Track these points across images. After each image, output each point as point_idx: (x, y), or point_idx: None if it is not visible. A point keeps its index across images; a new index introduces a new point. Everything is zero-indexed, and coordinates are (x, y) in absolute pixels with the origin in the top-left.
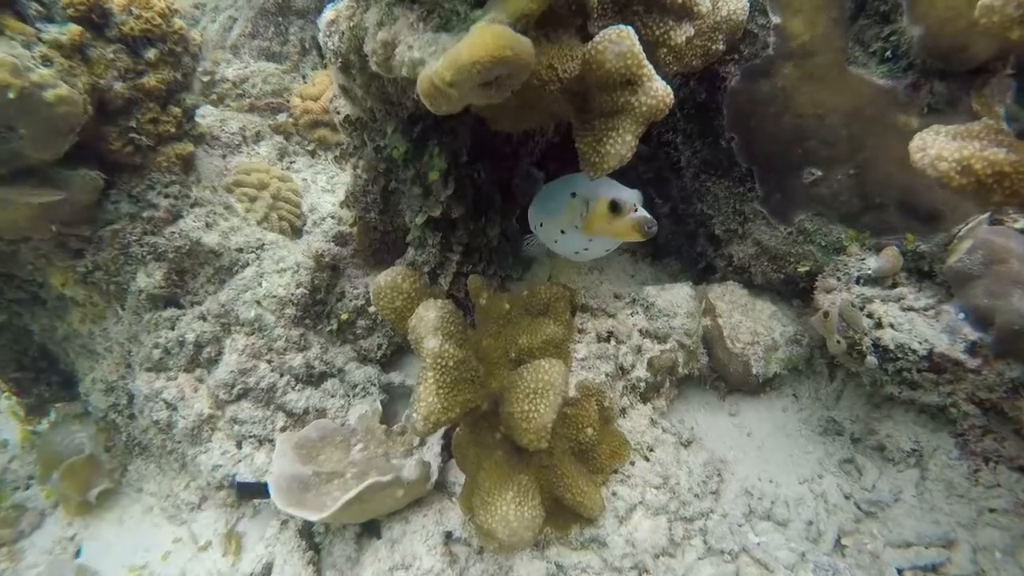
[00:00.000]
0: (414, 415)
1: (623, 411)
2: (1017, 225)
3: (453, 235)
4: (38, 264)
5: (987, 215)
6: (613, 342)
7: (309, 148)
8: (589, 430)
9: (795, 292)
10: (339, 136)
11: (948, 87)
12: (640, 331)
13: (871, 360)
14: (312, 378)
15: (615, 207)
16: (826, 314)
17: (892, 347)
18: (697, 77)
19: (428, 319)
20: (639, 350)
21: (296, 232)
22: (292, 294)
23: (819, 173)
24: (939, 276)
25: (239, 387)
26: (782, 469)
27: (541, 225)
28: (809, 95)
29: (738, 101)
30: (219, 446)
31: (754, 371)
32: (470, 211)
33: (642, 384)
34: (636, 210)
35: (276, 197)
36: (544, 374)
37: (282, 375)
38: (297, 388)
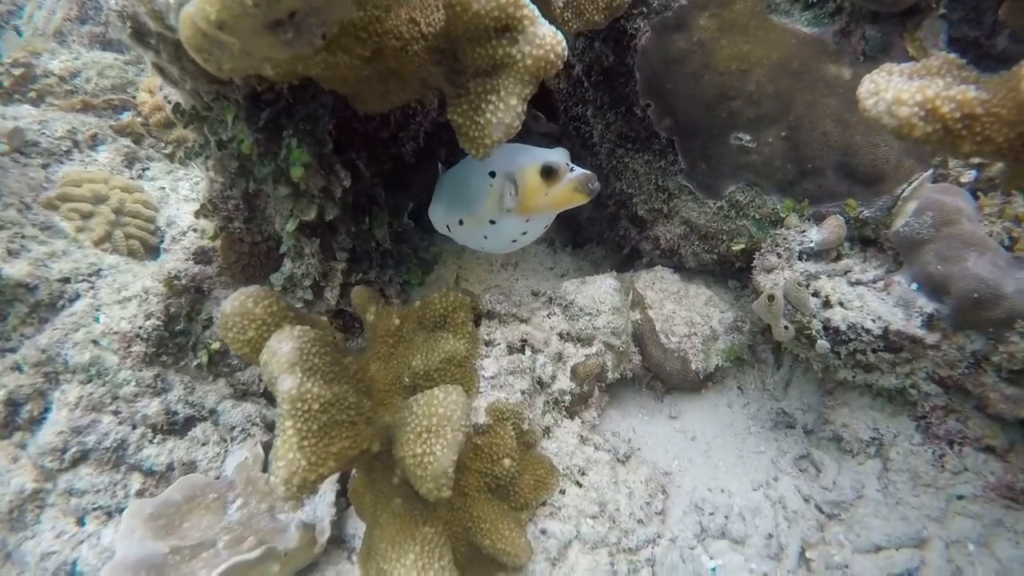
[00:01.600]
0: (272, 478)
1: (547, 431)
2: (963, 179)
3: (334, 240)
4: None
5: (930, 172)
6: (528, 352)
7: (166, 151)
8: (506, 461)
9: (731, 272)
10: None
11: (881, 31)
12: (560, 335)
13: (822, 344)
14: (175, 426)
15: (549, 172)
16: (771, 298)
17: (844, 328)
18: (602, 37)
19: (282, 353)
20: (560, 358)
21: (151, 252)
22: (140, 327)
23: (747, 137)
24: (886, 243)
25: (74, 450)
26: (733, 475)
27: (461, 223)
28: (730, 48)
29: (651, 62)
30: (51, 527)
31: (693, 366)
32: (349, 211)
33: (566, 397)
34: (571, 169)
35: (120, 211)
36: (439, 406)
37: (134, 427)
38: (156, 441)
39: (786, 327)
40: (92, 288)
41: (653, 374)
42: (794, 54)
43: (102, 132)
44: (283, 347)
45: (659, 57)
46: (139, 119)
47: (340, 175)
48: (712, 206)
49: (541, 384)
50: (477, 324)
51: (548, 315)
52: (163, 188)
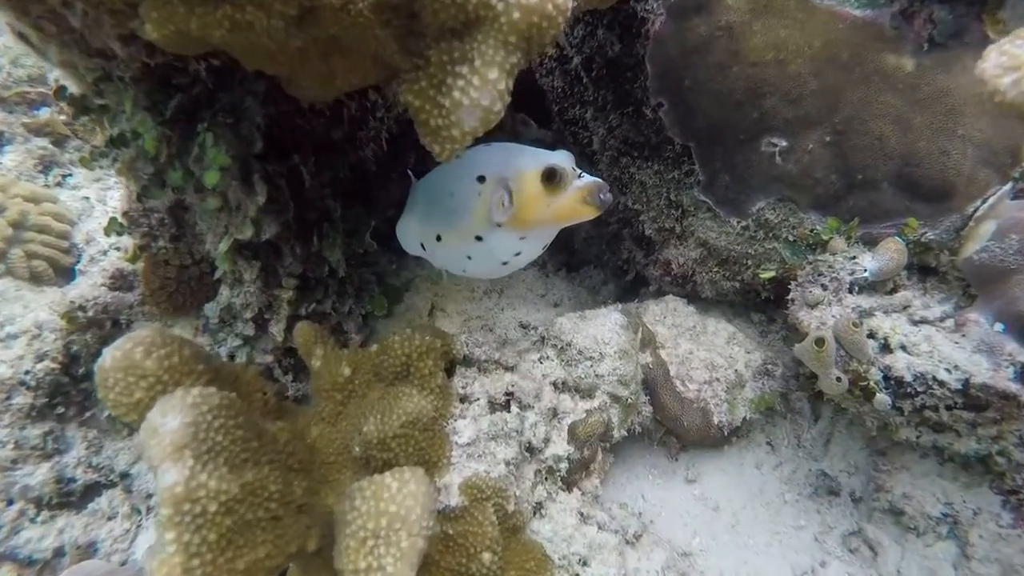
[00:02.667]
0: None
1: (538, 508)
2: None
3: (280, 264)
4: None
5: (1009, 186)
6: (515, 409)
7: (82, 154)
8: (486, 555)
9: (756, 304)
10: None
11: (952, 12)
12: (554, 384)
13: (882, 400)
14: (70, 497)
15: (552, 177)
16: (820, 341)
17: (909, 378)
18: (606, 22)
19: (166, 431)
20: (554, 414)
21: (64, 275)
22: (27, 372)
23: (783, 143)
24: (951, 273)
25: None
26: (768, 557)
27: (439, 239)
28: (764, 34)
29: (666, 51)
30: None
31: (716, 420)
32: (292, 229)
33: (562, 465)
34: (579, 175)
35: (20, 225)
36: (390, 502)
37: (9, 503)
38: (39, 519)
39: (838, 378)
40: None
41: (667, 428)
42: (843, 41)
43: (10, 130)
44: (168, 422)
45: (676, 45)
46: (62, 117)
47: (256, 187)
48: (735, 225)
49: (531, 450)
50: (450, 373)
51: (540, 359)
52: (86, 198)
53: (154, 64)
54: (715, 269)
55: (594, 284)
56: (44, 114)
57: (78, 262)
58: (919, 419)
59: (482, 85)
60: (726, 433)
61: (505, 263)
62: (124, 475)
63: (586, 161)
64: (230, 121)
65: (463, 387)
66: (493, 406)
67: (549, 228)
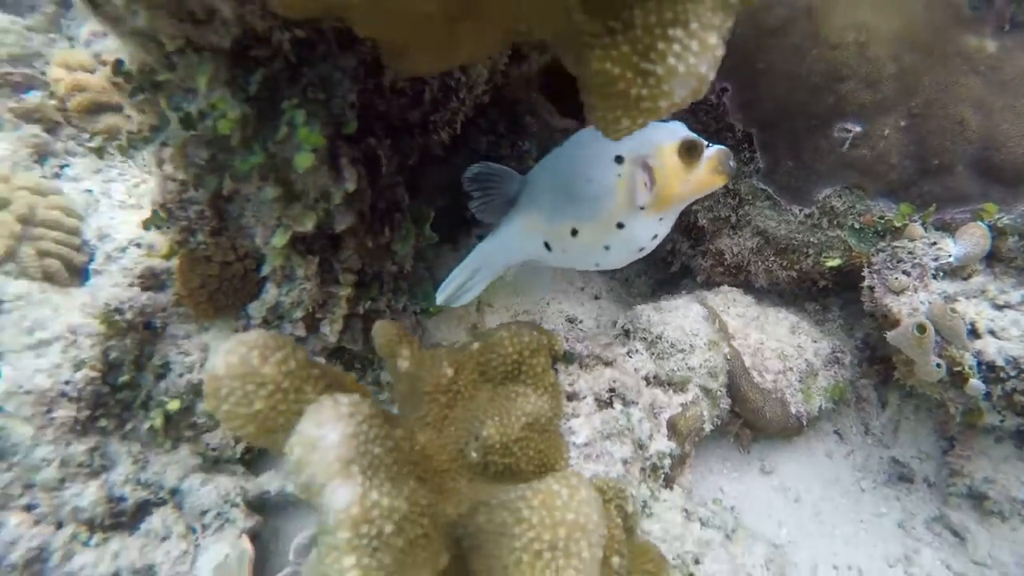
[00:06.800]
0: None
1: (643, 506)
2: None
3: (336, 258)
4: None
5: None
6: (618, 405)
7: (92, 144)
8: (615, 559)
9: (811, 294)
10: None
11: None
12: (646, 379)
13: (976, 385)
14: (122, 517)
15: (691, 149)
16: (921, 328)
17: (1000, 363)
18: None
19: (329, 445)
20: (652, 410)
21: (77, 275)
22: (66, 383)
23: (858, 129)
24: (1019, 257)
25: None
26: (858, 546)
27: (574, 234)
28: (846, 15)
29: (738, 33)
30: None
31: (793, 410)
32: (366, 219)
33: (666, 461)
34: (707, 145)
35: (29, 221)
36: (566, 510)
37: (59, 526)
38: (92, 542)
39: (938, 364)
40: None
41: (743, 420)
42: (922, 22)
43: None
44: (328, 435)
45: (750, 27)
46: (52, 102)
47: (344, 173)
48: (797, 213)
49: (640, 447)
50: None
51: (628, 353)
52: (89, 191)
53: (243, 32)
54: (772, 258)
55: (629, 276)
56: (34, 98)
57: (91, 260)
58: (1006, 403)
59: (702, 51)
60: (805, 423)
61: (642, 249)
62: (174, 491)
63: None
64: (320, 97)
65: (569, 384)
66: (599, 403)
67: (683, 205)
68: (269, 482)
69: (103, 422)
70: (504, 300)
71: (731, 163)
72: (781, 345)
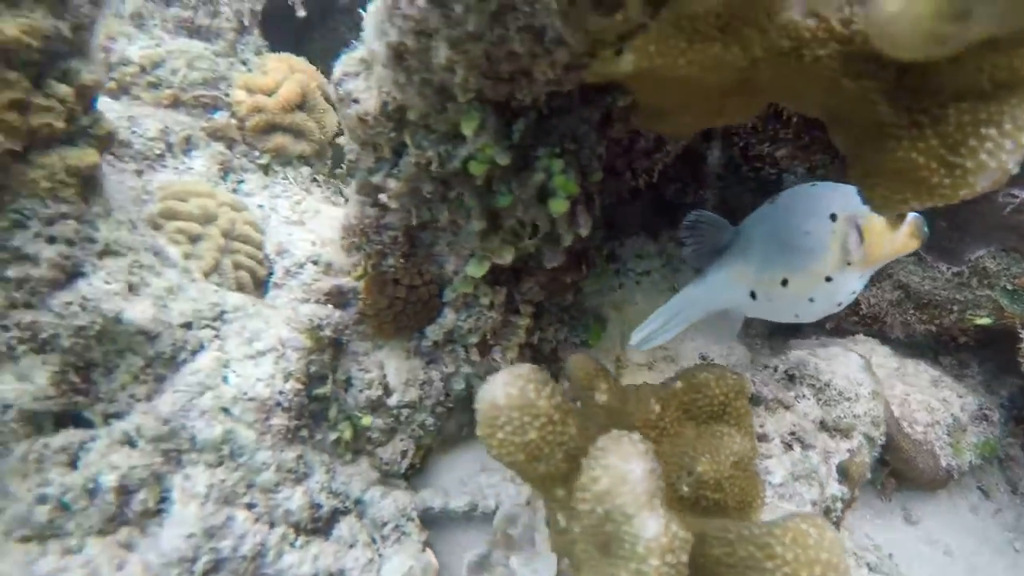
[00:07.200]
0: None
1: None
2: None
3: (518, 289)
4: None
5: None
6: (798, 448)
7: (261, 162)
8: None
9: (949, 348)
10: (302, 146)
11: None
12: (814, 423)
13: None
14: (318, 522)
15: (897, 214)
16: None
17: None
18: None
19: (636, 478)
20: (825, 455)
21: (259, 286)
22: (280, 392)
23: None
24: None
25: (206, 559)
26: None
27: (784, 284)
28: None
29: None
30: None
31: (944, 463)
32: (572, 256)
33: (838, 504)
34: None
35: (229, 235)
36: (819, 550)
37: (272, 526)
38: (298, 543)
39: None
40: (217, 337)
41: (891, 469)
42: None
43: (196, 135)
44: (634, 469)
45: None
46: (234, 121)
47: (579, 218)
48: (944, 271)
49: (821, 490)
50: None
51: (796, 397)
52: (261, 206)
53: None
54: (911, 312)
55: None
56: (220, 118)
57: (271, 274)
58: None
59: (1015, 149)
60: (956, 476)
61: (840, 304)
62: (357, 501)
63: (760, 197)
64: (572, 148)
65: (760, 426)
66: (784, 445)
67: (881, 264)
68: (432, 499)
69: (303, 432)
70: None
71: (925, 229)
72: (927, 398)
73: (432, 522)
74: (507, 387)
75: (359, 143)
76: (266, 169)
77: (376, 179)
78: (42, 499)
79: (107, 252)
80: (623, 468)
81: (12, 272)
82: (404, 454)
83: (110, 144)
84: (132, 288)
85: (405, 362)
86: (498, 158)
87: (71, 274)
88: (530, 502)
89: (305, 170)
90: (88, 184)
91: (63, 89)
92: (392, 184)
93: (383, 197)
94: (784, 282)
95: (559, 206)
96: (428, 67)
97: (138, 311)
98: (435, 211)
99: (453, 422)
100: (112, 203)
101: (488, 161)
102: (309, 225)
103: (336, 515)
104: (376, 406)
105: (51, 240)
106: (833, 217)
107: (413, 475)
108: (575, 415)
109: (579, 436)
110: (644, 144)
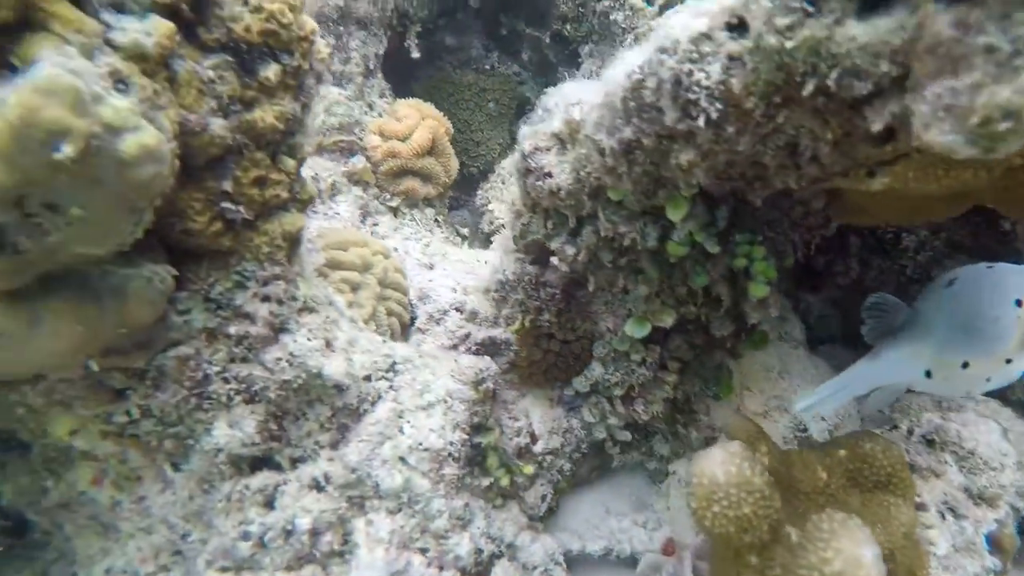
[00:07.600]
0: None
1: None
2: None
3: (666, 347)
4: (42, 411)
5: None
6: (950, 518)
7: (391, 204)
8: None
9: None
10: (428, 189)
11: None
12: (964, 493)
13: None
14: (480, 566)
15: None
16: None
17: None
18: None
19: (868, 563)
20: (976, 525)
21: (404, 332)
22: (450, 442)
23: None
24: None
25: None
26: None
27: (965, 366)
28: None
29: None
30: None
31: None
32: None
33: None
34: None
35: (383, 283)
36: None
37: (442, 569)
38: None
39: None
40: (391, 388)
41: None
42: None
43: (339, 180)
44: (866, 554)
45: None
46: (368, 166)
47: (774, 299)
48: None
49: (982, 561)
50: None
51: (937, 463)
52: (396, 250)
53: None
54: None
55: (841, 363)
56: (358, 162)
57: (414, 319)
58: None
59: None
60: None
61: (1011, 384)
62: (510, 545)
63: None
64: (771, 235)
65: (916, 495)
66: (940, 513)
67: None
68: (570, 542)
69: (468, 480)
70: (758, 383)
71: None
72: None
73: (569, 564)
74: (726, 465)
75: (540, 211)
76: (395, 211)
77: (554, 244)
78: (246, 536)
79: (305, 308)
80: (856, 553)
81: (233, 329)
82: (543, 498)
83: (311, 206)
84: (328, 344)
85: (549, 411)
86: (708, 245)
87: (277, 329)
88: (674, 552)
89: (429, 211)
90: (294, 246)
91: (290, 163)
92: (570, 250)
93: (554, 260)
94: (965, 364)
95: (759, 291)
96: (659, 164)
97: (335, 367)
98: (609, 278)
99: (586, 466)
100: (304, 262)
101: (690, 244)
102: (439, 267)
103: (492, 559)
104: (523, 453)
105: (265, 299)
106: (1018, 303)
107: (546, 517)
108: (777, 486)
109: (783, 508)
110: (813, 220)
